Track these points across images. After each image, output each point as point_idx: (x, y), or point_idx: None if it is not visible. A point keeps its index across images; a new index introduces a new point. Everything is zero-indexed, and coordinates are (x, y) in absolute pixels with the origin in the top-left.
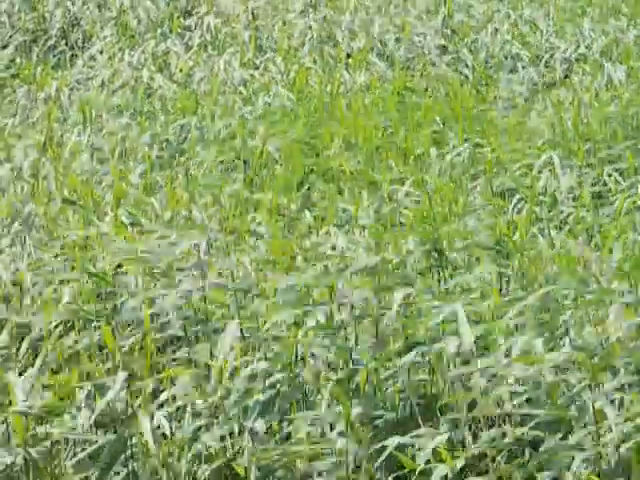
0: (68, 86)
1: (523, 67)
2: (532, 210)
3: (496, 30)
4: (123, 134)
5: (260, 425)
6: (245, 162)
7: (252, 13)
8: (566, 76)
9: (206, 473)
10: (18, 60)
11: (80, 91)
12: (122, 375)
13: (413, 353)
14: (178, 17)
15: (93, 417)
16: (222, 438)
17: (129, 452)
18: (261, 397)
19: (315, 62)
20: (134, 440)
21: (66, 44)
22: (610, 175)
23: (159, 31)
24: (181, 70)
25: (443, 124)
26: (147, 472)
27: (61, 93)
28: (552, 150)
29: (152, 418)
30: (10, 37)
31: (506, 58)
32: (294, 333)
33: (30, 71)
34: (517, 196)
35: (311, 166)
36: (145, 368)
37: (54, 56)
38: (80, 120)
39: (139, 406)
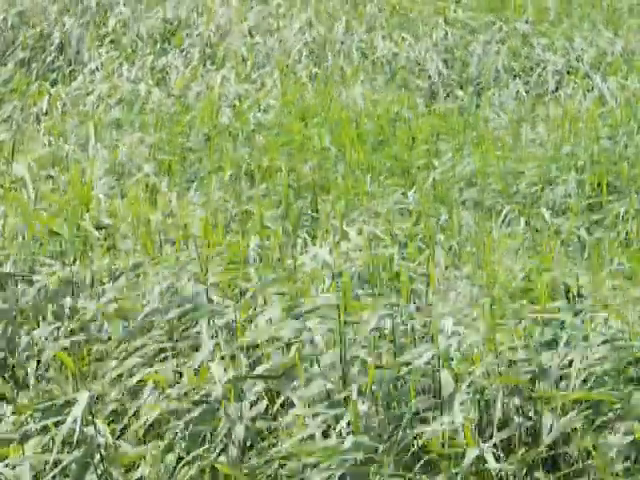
0: (62, 100)
1: (515, 77)
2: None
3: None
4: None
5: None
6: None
7: (249, 31)
8: (556, 89)
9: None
10: (17, 76)
11: (79, 106)
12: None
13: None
14: (175, 32)
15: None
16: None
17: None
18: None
19: (311, 78)
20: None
21: (65, 60)
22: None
23: (158, 46)
24: (179, 85)
25: (437, 139)
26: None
27: (54, 108)
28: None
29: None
30: (9, 54)
31: (497, 71)
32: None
33: (28, 86)
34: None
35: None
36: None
37: (52, 71)
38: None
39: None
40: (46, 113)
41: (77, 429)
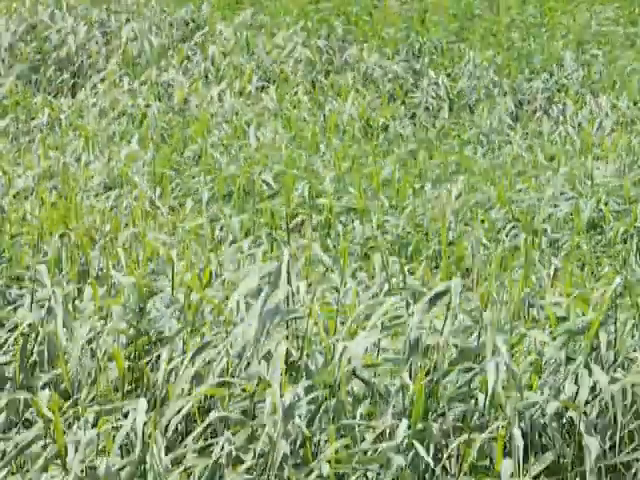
0: (64, 113)
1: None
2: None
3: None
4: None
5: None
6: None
7: (248, 44)
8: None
9: None
10: (20, 88)
11: (83, 119)
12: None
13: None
14: (179, 45)
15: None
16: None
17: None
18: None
19: (307, 93)
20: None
21: (69, 73)
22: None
23: (163, 62)
24: (180, 99)
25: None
26: None
27: (55, 121)
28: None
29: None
30: (10, 67)
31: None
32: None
33: (29, 100)
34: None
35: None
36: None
37: (53, 83)
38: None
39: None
40: (49, 126)
41: (139, 434)
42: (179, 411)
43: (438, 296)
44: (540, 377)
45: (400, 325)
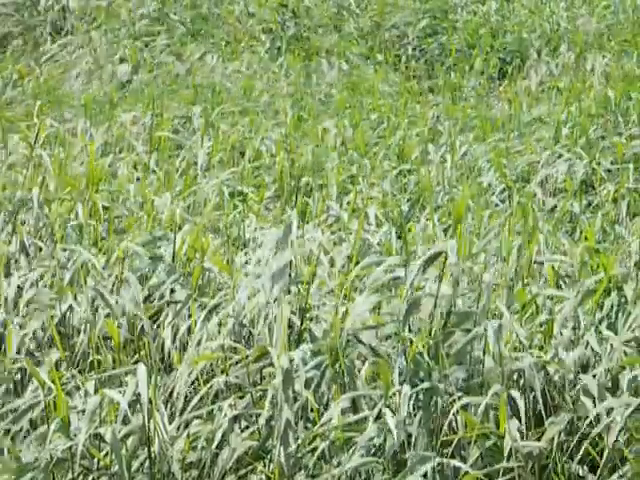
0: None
1: None
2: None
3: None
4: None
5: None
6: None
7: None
8: None
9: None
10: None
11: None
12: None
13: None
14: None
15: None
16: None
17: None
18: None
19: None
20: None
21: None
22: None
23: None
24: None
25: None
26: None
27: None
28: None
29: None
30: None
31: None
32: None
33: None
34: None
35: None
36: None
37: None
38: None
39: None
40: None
41: (144, 399)
42: (189, 375)
43: (435, 257)
44: (552, 337)
45: (398, 287)
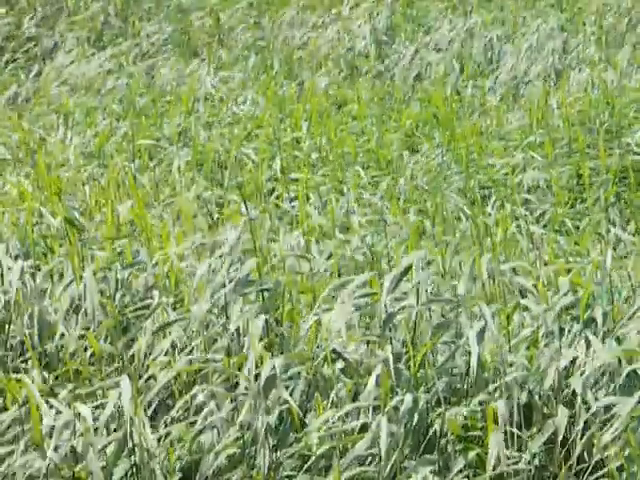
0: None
1: None
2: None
3: None
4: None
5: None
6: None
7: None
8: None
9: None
10: None
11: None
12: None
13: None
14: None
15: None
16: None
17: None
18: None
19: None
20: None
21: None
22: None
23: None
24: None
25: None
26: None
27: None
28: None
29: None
30: None
31: None
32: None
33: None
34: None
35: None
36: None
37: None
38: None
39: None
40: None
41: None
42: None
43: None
44: (537, 348)
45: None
